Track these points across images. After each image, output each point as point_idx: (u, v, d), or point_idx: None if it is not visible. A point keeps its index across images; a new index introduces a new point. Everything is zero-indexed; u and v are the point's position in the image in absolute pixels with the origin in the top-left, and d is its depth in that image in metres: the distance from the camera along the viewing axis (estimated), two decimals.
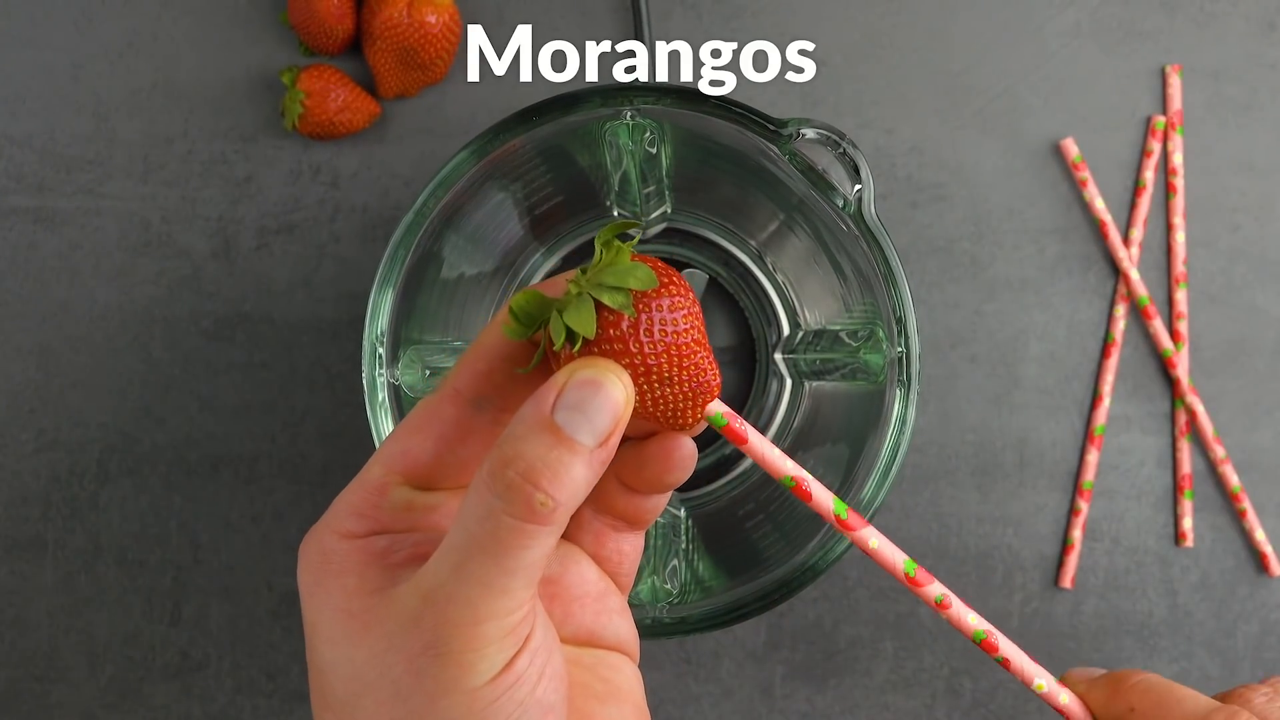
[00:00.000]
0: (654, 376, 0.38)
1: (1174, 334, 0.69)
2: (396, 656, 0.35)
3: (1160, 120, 0.69)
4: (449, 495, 0.40)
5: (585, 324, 0.37)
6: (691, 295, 0.39)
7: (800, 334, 0.62)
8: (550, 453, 0.35)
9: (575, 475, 0.36)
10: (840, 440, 0.59)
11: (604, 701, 0.40)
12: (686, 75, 0.70)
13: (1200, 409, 0.68)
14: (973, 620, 0.44)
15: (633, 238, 0.38)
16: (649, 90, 0.49)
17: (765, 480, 0.62)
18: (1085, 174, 0.69)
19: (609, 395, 0.36)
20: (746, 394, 0.65)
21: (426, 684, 0.35)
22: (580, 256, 0.61)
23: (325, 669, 0.37)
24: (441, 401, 0.40)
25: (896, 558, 0.42)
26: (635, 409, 0.38)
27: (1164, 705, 0.42)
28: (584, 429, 0.36)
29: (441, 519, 0.40)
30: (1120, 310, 0.69)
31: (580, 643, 0.41)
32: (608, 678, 0.41)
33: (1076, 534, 0.68)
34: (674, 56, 0.69)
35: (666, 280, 0.38)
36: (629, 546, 0.43)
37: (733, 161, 0.55)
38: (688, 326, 0.38)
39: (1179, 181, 0.69)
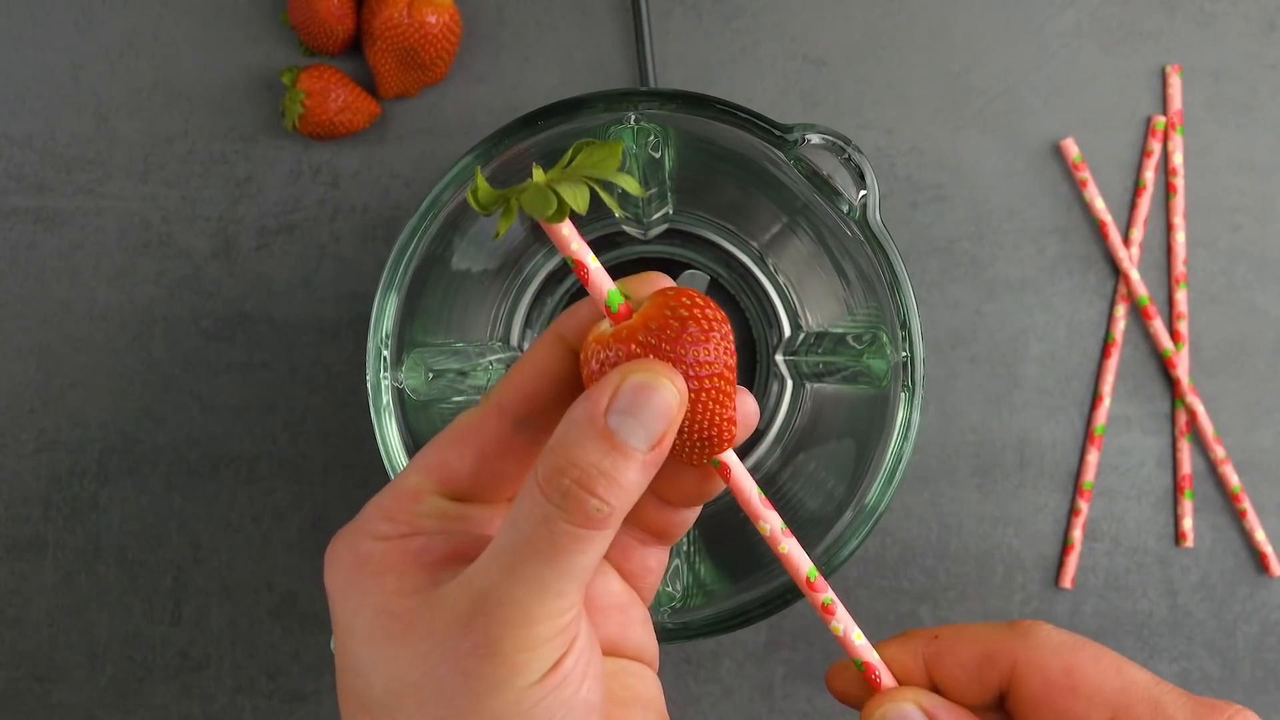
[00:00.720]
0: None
1: (1174, 334, 0.69)
2: (443, 656, 0.35)
3: (1160, 120, 0.69)
4: (483, 508, 0.41)
5: (579, 199, 0.36)
6: (730, 338, 0.38)
7: (801, 336, 0.62)
8: (604, 459, 0.35)
9: (629, 480, 0.36)
10: (843, 442, 0.59)
11: (629, 707, 0.40)
12: (687, 76, 0.70)
13: (1200, 409, 0.69)
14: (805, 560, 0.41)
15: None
16: (653, 95, 0.49)
17: (766, 480, 0.62)
18: (1085, 174, 0.69)
19: (662, 399, 0.36)
20: None
21: (474, 684, 0.35)
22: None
23: (363, 670, 0.37)
24: (484, 417, 0.40)
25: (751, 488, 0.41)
26: None
27: (967, 625, 0.42)
28: (637, 433, 0.36)
29: (474, 528, 0.40)
30: (1120, 310, 0.69)
31: (604, 652, 0.41)
32: (630, 685, 0.41)
33: (1076, 534, 0.68)
34: (674, 56, 0.69)
35: (714, 320, 0.37)
36: (654, 561, 0.43)
37: (736, 165, 0.55)
38: (724, 369, 0.37)
39: (1179, 181, 0.69)
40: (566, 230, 0.37)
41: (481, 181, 0.37)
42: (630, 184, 0.37)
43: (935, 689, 0.42)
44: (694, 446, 0.38)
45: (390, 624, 0.36)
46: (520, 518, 0.35)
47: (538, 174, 0.36)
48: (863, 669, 0.42)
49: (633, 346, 0.36)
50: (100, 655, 0.69)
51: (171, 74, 0.70)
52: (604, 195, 0.36)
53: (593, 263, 0.37)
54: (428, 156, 0.69)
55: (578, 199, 0.36)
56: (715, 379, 0.37)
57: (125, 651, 0.69)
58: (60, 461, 0.70)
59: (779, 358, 0.63)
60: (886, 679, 0.42)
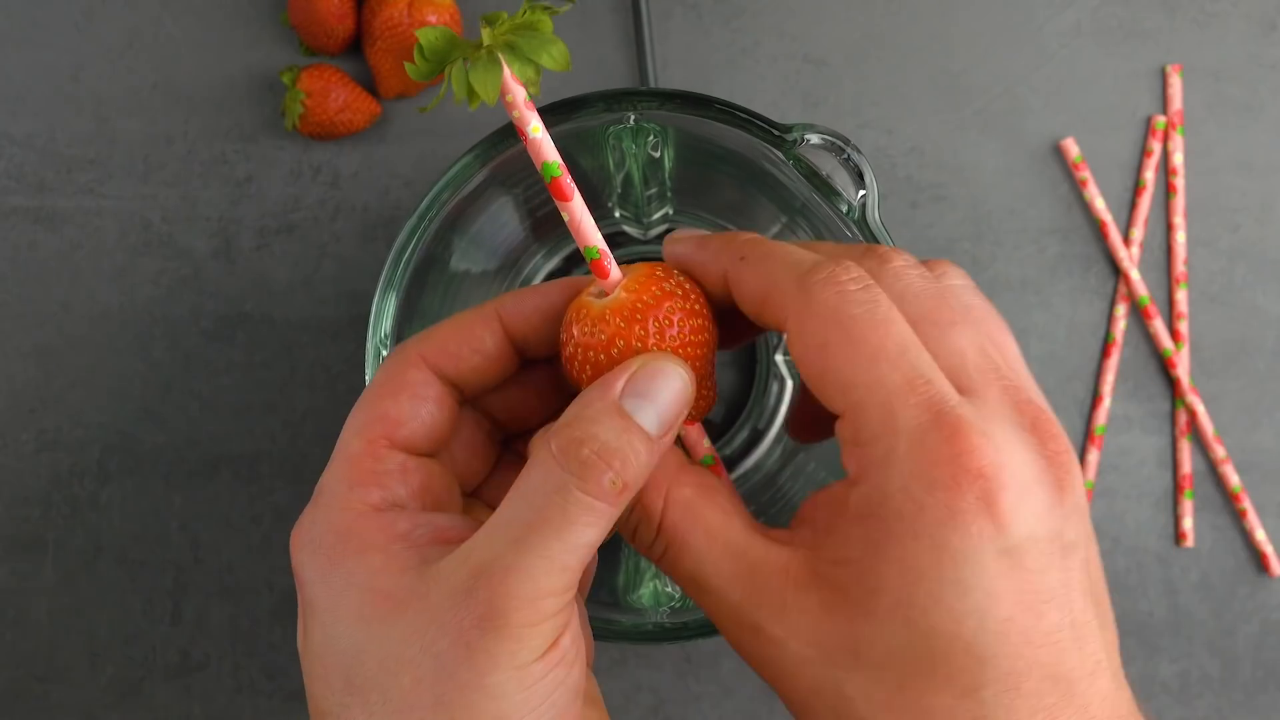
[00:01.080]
0: None
1: (1174, 334, 0.69)
2: (441, 631, 0.35)
3: (1160, 120, 0.69)
4: (435, 464, 0.41)
5: (489, 88, 0.37)
6: (705, 313, 0.40)
7: None
8: (621, 436, 0.36)
9: (641, 460, 0.37)
10: None
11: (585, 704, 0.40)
12: (687, 76, 0.70)
13: (1200, 409, 0.69)
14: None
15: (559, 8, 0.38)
16: (653, 95, 0.49)
17: (766, 480, 0.62)
18: (1085, 174, 0.69)
19: (675, 386, 0.38)
20: (747, 395, 0.65)
21: (478, 658, 0.34)
22: (581, 258, 0.61)
23: (352, 650, 0.36)
24: (404, 365, 0.41)
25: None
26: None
27: (772, 255, 0.39)
28: (650, 416, 0.37)
29: (436, 484, 0.41)
30: (1120, 310, 0.69)
31: None
32: None
33: None
34: (674, 55, 0.69)
35: (687, 292, 0.40)
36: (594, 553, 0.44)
37: (735, 165, 0.55)
38: (693, 337, 0.39)
39: (1179, 181, 0.69)
40: (509, 98, 0.38)
41: (429, 36, 0.37)
42: (556, 58, 0.37)
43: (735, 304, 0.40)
44: None
45: (381, 602, 0.36)
46: (530, 489, 0.36)
47: (487, 33, 0.37)
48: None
49: (618, 321, 0.39)
50: (100, 655, 0.69)
51: (171, 74, 0.70)
52: (519, 71, 0.37)
53: (534, 132, 0.39)
54: (428, 156, 0.69)
55: (488, 87, 0.37)
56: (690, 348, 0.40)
57: (125, 651, 0.69)
58: (60, 461, 0.70)
59: (779, 358, 0.63)
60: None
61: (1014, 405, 0.36)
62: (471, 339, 0.41)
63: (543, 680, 0.35)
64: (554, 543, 0.35)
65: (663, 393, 0.37)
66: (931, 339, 0.36)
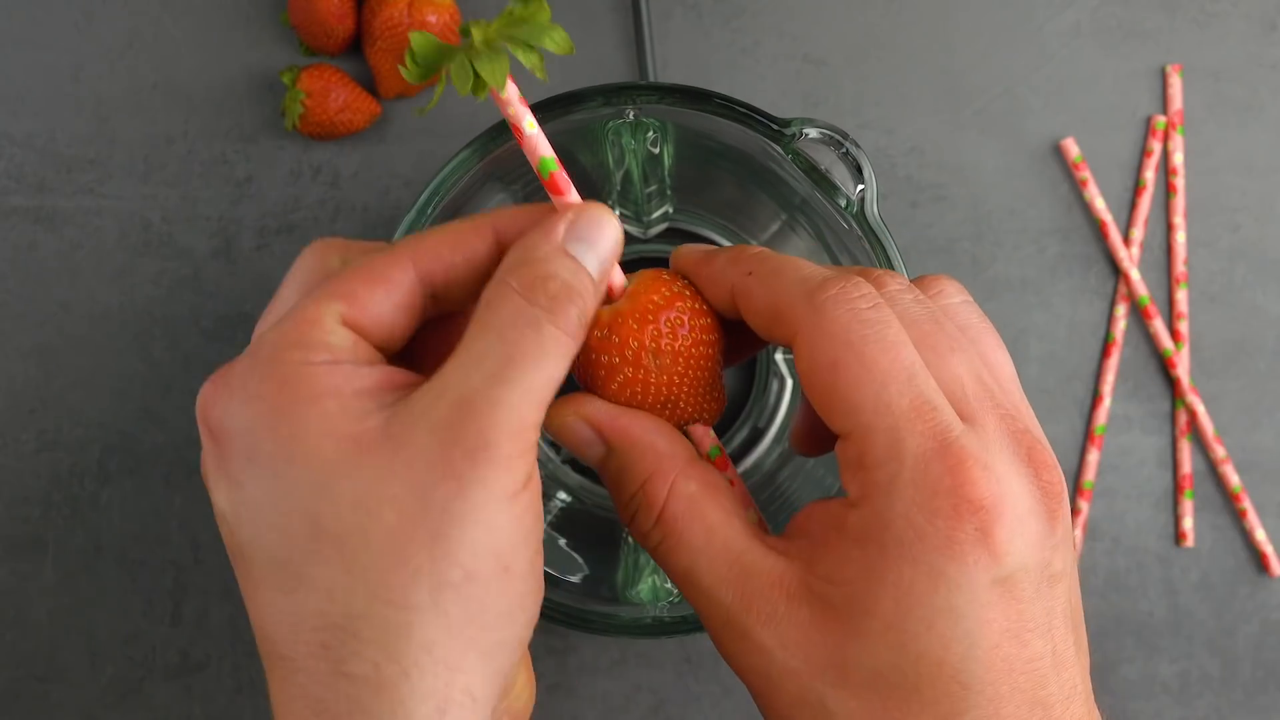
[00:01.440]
0: (652, 392, 0.40)
1: (1174, 334, 0.69)
2: (429, 466, 0.34)
3: (1160, 120, 0.69)
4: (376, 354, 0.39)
5: (497, 74, 0.37)
6: (712, 314, 0.40)
7: None
8: (574, 277, 0.37)
9: (591, 301, 0.38)
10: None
11: None
12: (687, 76, 0.70)
13: (1200, 409, 0.68)
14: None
15: None
16: (652, 89, 0.49)
17: (766, 479, 0.62)
18: (1085, 174, 0.69)
19: (611, 235, 0.39)
20: (747, 394, 0.65)
21: (471, 490, 0.34)
22: None
23: (316, 497, 0.35)
24: (396, 263, 0.39)
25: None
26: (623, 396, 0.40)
27: (781, 271, 0.39)
28: (591, 259, 0.38)
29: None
30: (1120, 310, 0.69)
31: None
32: None
33: (1077, 534, 0.68)
34: (674, 55, 0.69)
35: (695, 293, 0.41)
36: None
37: (735, 161, 0.55)
38: (704, 336, 0.40)
39: (1179, 181, 0.69)
40: (504, 94, 0.38)
41: (420, 40, 0.37)
42: (559, 42, 0.38)
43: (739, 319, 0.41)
44: (654, 405, 0.41)
45: (349, 444, 0.35)
46: (501, 324, 0.36)
47: (477, 32, 0.37)
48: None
49: (631, 323, 0.39)
50: (100, 655, 0.69)
51: (171, 74, 0.70)
52: (524, 58, 0.37)
53: (529, 128, 0.39)
54: (428, 156, 0.69)
55: (496, 74, 0.37)
56: (678, 356, 0.40)
57: (125, 651, 0.69)
58: (60, 461, 0.70)
59: (779, 356, 0.63)
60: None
61: (1011, 435, 0.37)
62: (466, 249, 0.40)
63: (528, 510, 0.35)
64: (533, 375, 0.35)
65: (602, 239, 0.38)
66: (930, 365, 0.37)
